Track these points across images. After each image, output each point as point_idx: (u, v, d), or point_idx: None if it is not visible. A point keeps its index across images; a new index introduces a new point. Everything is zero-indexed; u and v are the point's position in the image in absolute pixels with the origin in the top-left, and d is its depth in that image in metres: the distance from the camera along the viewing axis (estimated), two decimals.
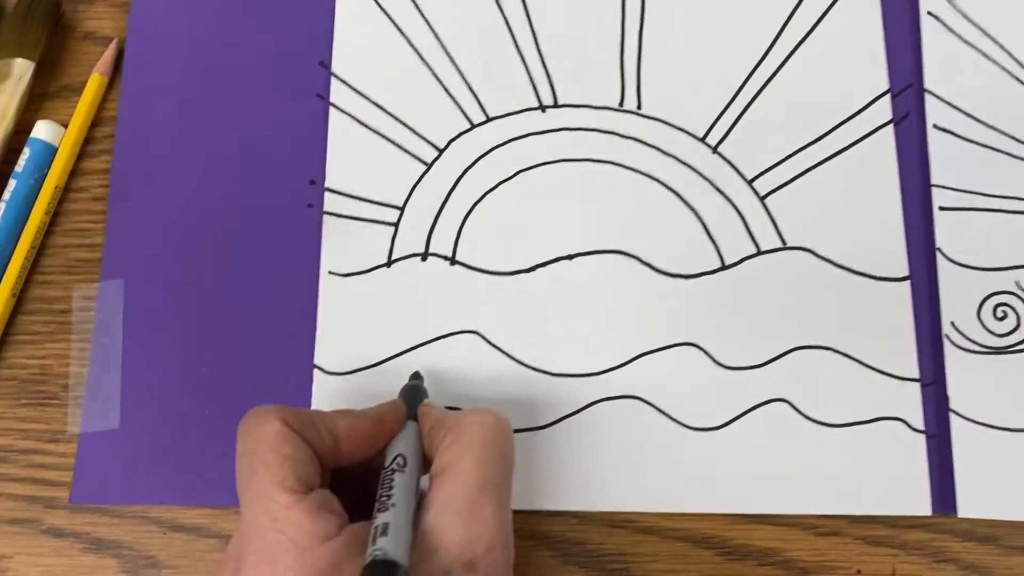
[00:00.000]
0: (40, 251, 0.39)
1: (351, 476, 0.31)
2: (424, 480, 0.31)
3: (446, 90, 0.40)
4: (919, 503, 0.35)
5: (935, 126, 0.39)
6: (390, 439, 0.31)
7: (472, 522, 0.28)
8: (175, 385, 0.37)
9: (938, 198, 0.38)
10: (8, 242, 0.38)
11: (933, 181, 0.38)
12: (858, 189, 0.39)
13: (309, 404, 0.37)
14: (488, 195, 0.39)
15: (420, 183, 0.39)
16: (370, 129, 0.40)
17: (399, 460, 0.30)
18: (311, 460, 0.29)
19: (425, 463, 0.31)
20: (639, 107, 0.40)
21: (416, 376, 0.36)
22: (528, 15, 0.41)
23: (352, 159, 0.39)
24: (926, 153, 0.39)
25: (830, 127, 0.39)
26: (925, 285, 0.38)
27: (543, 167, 0.39)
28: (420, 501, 0.29)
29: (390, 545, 0.26)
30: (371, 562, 0.25)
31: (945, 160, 0.39)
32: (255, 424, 0.29)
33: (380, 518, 0.27)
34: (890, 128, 0.39)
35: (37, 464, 0.37)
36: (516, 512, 0.31)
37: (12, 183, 0.38)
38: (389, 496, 0.28)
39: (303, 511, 0.27)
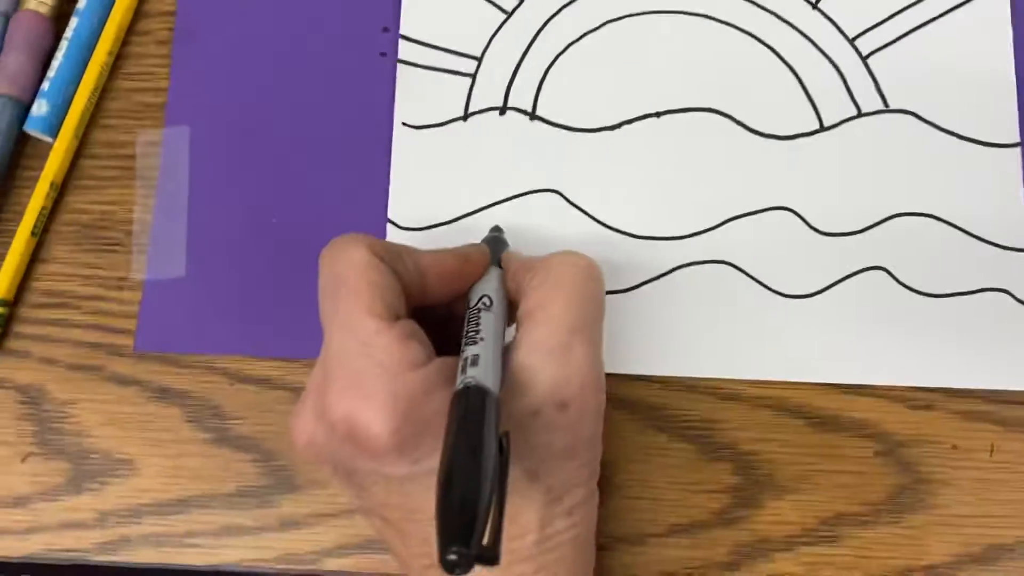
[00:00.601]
0: (103, 94, 0.37)
1: (431, 322, 0.29)
2: (509, 333, 0.29)
3: None
4: (1022, 377, 0.33)
5: None
6: (475, 280, 0.30)
7: (564, 362, 0.27)
8: (243, 234, 0.36)
9: None
10: (71, 82, 0.36)
11: None
12: (968, 50, 0.36)
13: None
14: (571, 47, 0.37)
15: (499, 32, 0.37)
16: None
17: (485, 300, 0.29)
18: (398, 290, 0.27)
19: (510, 310, 0.30)
20: None
21: (496, 229, 0.34)
22: None
23: (428, 5, 0.37)
24: None
25: None
26: None
27: (631, 19, 0.37)
28: (507, 344, 0.28)
29: (480, 374, 0.25)
30: (463, 388, 0.24)
31: None
32: (340, 250, 0.27)
33: (469, 350, 0.26)
34: None
35: (101, 311, 0.35)
36: None
37: (74, 21, 0.37)
38: (477, 331, 0.27)
39: (393, 337, 0.26)
